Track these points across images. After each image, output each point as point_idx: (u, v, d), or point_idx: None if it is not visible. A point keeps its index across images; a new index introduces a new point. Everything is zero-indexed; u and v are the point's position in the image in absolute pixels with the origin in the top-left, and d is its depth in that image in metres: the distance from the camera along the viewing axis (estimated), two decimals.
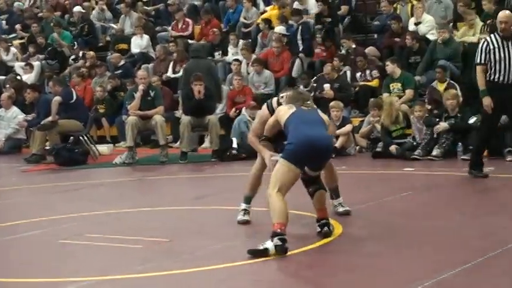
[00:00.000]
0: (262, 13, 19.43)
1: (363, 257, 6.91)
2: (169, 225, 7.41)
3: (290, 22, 18.37)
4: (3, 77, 20.06)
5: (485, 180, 10.79)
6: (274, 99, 8.15)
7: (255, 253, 6.70)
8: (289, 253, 6.75)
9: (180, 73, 17.32)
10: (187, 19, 20.01)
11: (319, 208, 7.45)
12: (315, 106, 7.91)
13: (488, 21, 15.49)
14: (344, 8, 18.23)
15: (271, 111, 7.92)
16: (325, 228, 7.34)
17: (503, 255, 6.59)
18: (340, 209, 8.40)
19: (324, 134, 7.39)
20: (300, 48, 17.43)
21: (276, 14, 18.72)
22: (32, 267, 7.04)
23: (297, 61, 17.10)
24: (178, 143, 15.12)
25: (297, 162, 7.12)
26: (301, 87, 15.42)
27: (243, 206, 8.28)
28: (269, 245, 6.68)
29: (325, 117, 7.73)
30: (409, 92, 14.57)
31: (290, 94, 7.82)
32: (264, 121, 8.05)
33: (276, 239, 6.70)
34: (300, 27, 17.68)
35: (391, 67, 14.84)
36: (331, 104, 14.11)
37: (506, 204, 9.13)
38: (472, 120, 12.97)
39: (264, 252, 6.67)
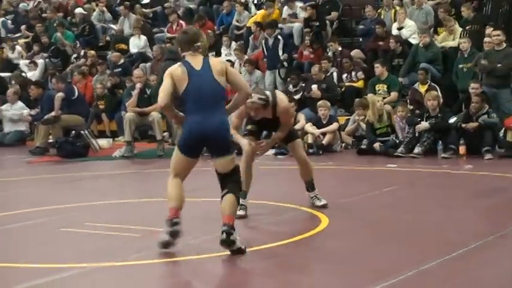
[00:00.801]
0: (253, 16, 19.36)
1: (347, 249, 6.88)
2: (165, 215, 7.31)
3: (280, 26, 18.37)
4: (9, 74, 20.00)
5: (464, 176, 10.79)
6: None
7: (163, 245, 6.56)
8: (270, 245, 6.78)
9: None
10: (181, 21, 19.99)
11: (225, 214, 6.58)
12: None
13: (467, 27, 15.52)
14: (334, 14, 18.20)
15: None
16: (223, 236, 6.41)
17: (483, 247, 6.57)
18: (318, 203, 8.41)
19: (208, 119, 6.54)
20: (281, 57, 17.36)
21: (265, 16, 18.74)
22: (33, 253, 7.01)
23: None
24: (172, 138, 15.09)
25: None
26: (291, 86, 15.43)
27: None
28: (163, 236, 6.55)
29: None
30: (394, 94, 14.61)
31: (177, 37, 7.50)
32: (240, 114, 8.08)
33: (167, 227, 6.54)
34: (273, 40, 17.47)
35: (380, 69, 14.85)
36: (319, 103, 14.11)
37: (483, 200, 9.14)
38: (451, 120, 12.99)
39: (165, 244, 6.55)
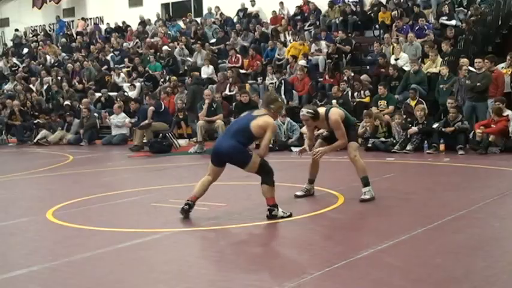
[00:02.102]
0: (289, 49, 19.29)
1: (354, 218, 6.86)
2: (226, 194, 7.40)
3: (309, 57, 18.31)
4: (115, 93, 20.21)
5: (443, 167, 10.67)
6: None
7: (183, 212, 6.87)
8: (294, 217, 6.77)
9: (234, 92, 17.39)
10: (238, 55, 20.04)
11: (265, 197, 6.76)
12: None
13: (446, 58, 15.35)
14: (347, 48, 18.11)
15: None
16: (267, 213, 6.69)
17: (457, 219, 6.50)
18: (362, 196, 7.60)
19: (223, 144, 6.83)
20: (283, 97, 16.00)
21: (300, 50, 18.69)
22: (133, 221, 7.09)
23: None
24: None
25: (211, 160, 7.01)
26: (317, 101, 15.35)
27: (306, 185, 8.02)
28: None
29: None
30: (391, 108, 14.43)
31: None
32: (307, 126, 7.94)
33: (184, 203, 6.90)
34: (283, 82, 17.05)
35: (382, 90, 14.72)
36: None
37: (458, 184, 9.04)
38: (434, 126, 12.85)
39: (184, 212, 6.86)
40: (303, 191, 8.00)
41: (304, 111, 7.51)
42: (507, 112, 12.44)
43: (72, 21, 30.48)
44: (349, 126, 7.79)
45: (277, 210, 6.67)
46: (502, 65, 14.10)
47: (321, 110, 7.63)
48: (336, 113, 7.59)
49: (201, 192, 6.98)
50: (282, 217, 6.65)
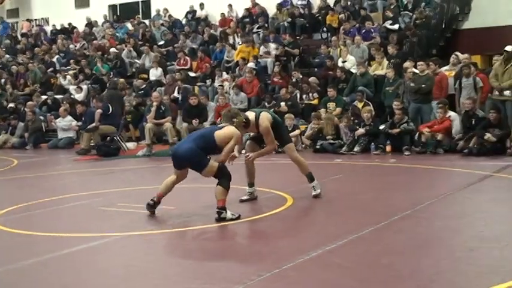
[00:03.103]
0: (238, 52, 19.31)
1: (303, 219, 6.90)
2: (175, 198, 7.35)
3: (258, 60, 18.37)
4: (61, 96, 19.87)
5: (390, 167, 10.84)
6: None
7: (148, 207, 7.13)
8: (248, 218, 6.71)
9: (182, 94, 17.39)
10: (186, 57, 19.96)
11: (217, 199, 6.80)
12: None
13: (392, 61, 15.59)
14: (296, 51, 18.24)
15: None
16: (216, 215, 6.70)
17: (402, 219, 6.61)
18: (312, 192, 7.88)
19: (181, 147, 7.01)
20: None
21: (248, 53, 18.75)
22: (79, 226, 6.99)
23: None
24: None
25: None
26: (266, 103, 15.40)
27: (247, 189, 7.95)
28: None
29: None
30: (339, 110, 14.59)
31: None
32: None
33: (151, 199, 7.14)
34: None
35: (332, 92, 14.85)
36: (286, 115, 14.03)
37: (403, 184, 9.21)
38: (381, 127, 13.04)
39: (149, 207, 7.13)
40: (247, 195, 7.97)
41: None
42: (450, 113, 12.73)
43: (17, 22, 29.83)
44: (280, 128, 7.85)
45: (226, 212, 6.69)
46: (446, 67, 14.42)
47: (251, 115, 7.61)
48: (266, 119, 7.59)
49: (165, 191, 7.16)
50: (231, 219, 6.67)
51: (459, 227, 6.29)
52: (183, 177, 7.16)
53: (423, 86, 13.51)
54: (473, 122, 12.23)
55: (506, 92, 12.42)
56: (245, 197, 7.95)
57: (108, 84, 18.75)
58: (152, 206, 7.13)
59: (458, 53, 14.56)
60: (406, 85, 13.90)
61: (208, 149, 6.89)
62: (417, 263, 5.02)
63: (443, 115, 12.51)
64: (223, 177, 6.81)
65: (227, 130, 6.99)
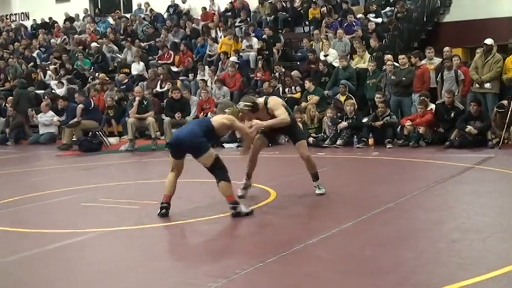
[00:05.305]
0: (221, 46, 19.24)
1: (286, 213, 6.89)
2: (156, 193, 7.32)
3: (240, 54, 18.33)
4: (42, 91, 19.71)
5: (373, 160, 10.88)
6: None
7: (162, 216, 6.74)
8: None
9: (165, 88, 17.28)
10: (170, 51, 19.88)
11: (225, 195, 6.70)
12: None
13: (374, 54, 15.64)
14: (278, 45, 18.22)
15: None
16: (232, 211, 6.59)
17: (385, 211, 6.64)
18: (317, 191, 7.67)
19: (182, 131, 6.95)
20: None
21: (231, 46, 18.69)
22: (61, 222, 6.97)
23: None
24: (163, 136, 14.99)
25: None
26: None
27: (243, 181, 7.71)
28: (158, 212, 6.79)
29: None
30: (315, 98, 14.56)
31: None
32: (241, 119, 7.35)
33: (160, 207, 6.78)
34: None
35: (308, 84, 14.87)
36: None
37: (386, 177, 9.24)
38: (364, 120, 13.09)
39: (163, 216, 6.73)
40: (243, 187, 7.71)
41: (241, 105, 7.15)
42: (431, 106, 12.80)
43: None
44: (292, 123, 7.57)
45: (240, 206, 6.60)
46: (425, 60, 14.47)
47: (259, 99, 7.38)
48: (276, 99, 7.44)
49: (171, 190, 6.87)
50: (246, 214, 6.58)
51: (441, 219, 6.33)
52: (181, 168, 6.91)
53: (403, 78, 13.57)
54: (452, 114, 12.30)
55: (487, 85, 12.54)
56: (242, 192, 7.64)
57: (150, 75, 18.33)
58: (166, 212, 6.77)
59: (431, 47, 14.68)
60: (387, 78, 13.95)
61: (208, 133, 6.73)
62: (400, 255, 5.05)
63: (424, 108, 12.56)
64: (220, 170, 6.65)
65: (223, 116, 6.90)
